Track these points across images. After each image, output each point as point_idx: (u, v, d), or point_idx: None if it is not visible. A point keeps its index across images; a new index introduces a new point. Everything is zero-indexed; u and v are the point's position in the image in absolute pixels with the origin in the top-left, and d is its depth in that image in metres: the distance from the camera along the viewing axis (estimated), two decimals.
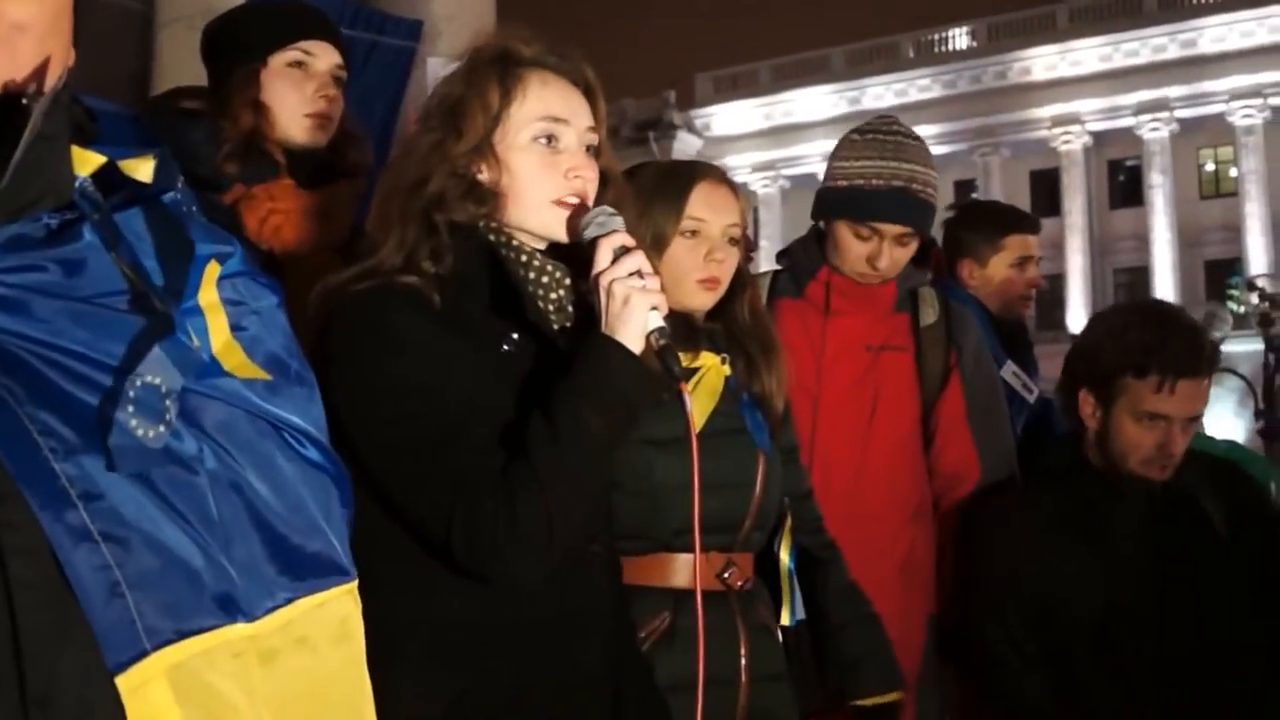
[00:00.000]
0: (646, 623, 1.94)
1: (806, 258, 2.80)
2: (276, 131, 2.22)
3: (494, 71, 1.68)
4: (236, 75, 2.23)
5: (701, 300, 2.12)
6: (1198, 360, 2.43)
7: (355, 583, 1.10)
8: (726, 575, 2.03)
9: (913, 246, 2.69)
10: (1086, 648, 2.43)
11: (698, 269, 2.10)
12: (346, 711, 1.08)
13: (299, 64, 2.25)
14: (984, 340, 2.91)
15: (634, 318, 1.53)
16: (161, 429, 0.93)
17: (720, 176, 2.20)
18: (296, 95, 2.24)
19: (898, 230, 2.63)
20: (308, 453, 1.08)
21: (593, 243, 1.60)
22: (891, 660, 2.29)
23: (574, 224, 1.65)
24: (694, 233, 2.12)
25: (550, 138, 1.68)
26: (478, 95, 1.66)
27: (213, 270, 1.05)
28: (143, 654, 0.90)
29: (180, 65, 3.61)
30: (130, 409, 0.91)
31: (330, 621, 1.05)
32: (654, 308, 1.55)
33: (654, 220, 2.07)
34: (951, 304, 2.87)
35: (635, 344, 1.54)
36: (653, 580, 1.98)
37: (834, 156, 2.76)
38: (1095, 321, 2.66)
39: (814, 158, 35.72)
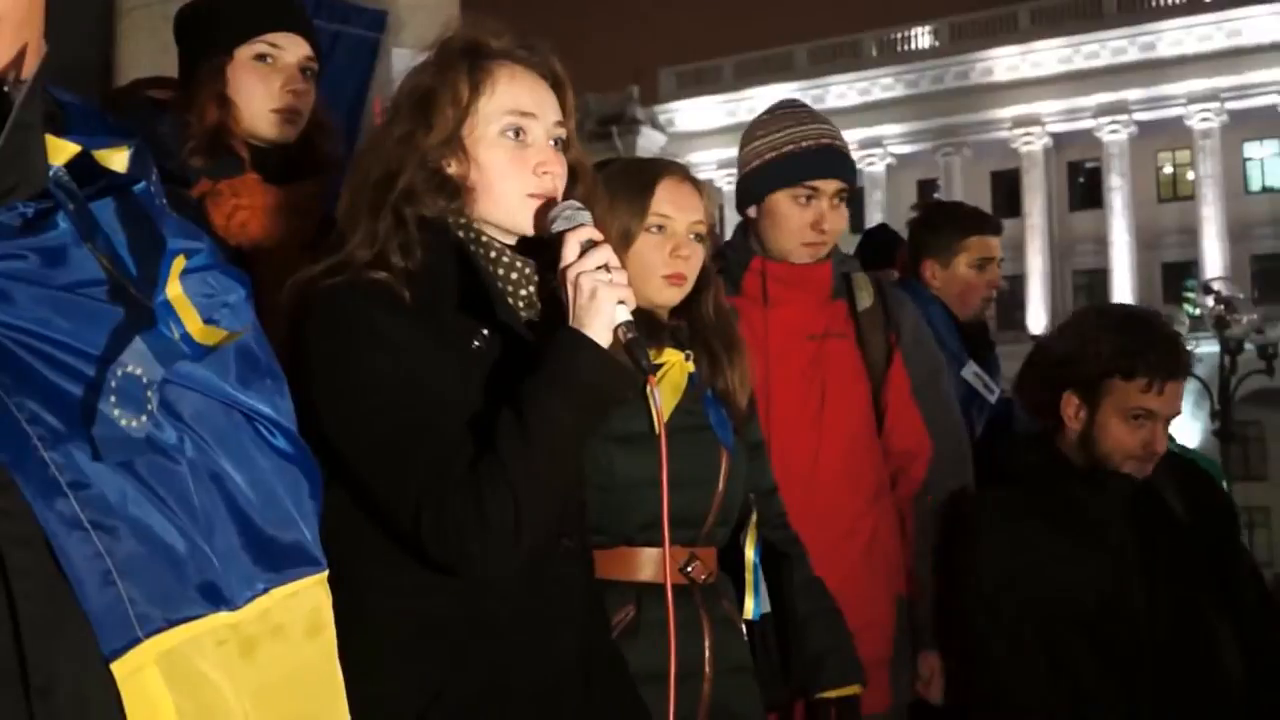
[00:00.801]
0: (610, 616, 1.95)
1: (737, 253, 2.81)
2: (242, 126, 2.20)
3: (463, 64, 1.67)
4: (201, 69, 2.20)
5: (667, 296, 2.14)
6: (1180, 362, 2.55)
7: (326, 573, 1.10)
8: (689, 569, 2.05)
9: (844, 210, 2.74)
10: (1081, 640, 2.48)
11: (664, 265, 2.12)
12: (320, 700, 1.09)
13: (265, 57, 2.21)
14: (922, 319, 2.97)
15: (601, 311, 1.54)
16: (144, 419, 0.94)
17: (684, 173, 2.21)
18: (263, 90, 2.21)
19: (835, 187, 2.69)
20: (278, 443, 1.08)
21: (560, 236, 1.60)
22: (852, 653, 2.33)
23: (541, 219, 1.66)
24: (660, 229, 2.13)
25: (518, 131, 1.67)
26: (447, 88, 1.66)
27: (178, 265, 1.05)
28: (136, 641, 0.91)
29: (143, 53, 3.57)
30: (112, 399, 0.92)
31: (303, 611, 1.06)
32: (621, 301, 1.55)
33: (619, 217, 2.07)
34: (885, 286, 2.91)
35: (603, 337, 1.54)
36: (614, 574, 1.99)
37: (750, 139, 2.81)
38: (1074, 327, 2.71)
39: None
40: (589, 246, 1.58)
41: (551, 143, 1.70)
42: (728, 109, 38.19)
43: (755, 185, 2.76)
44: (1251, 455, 30.82)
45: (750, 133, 2.82)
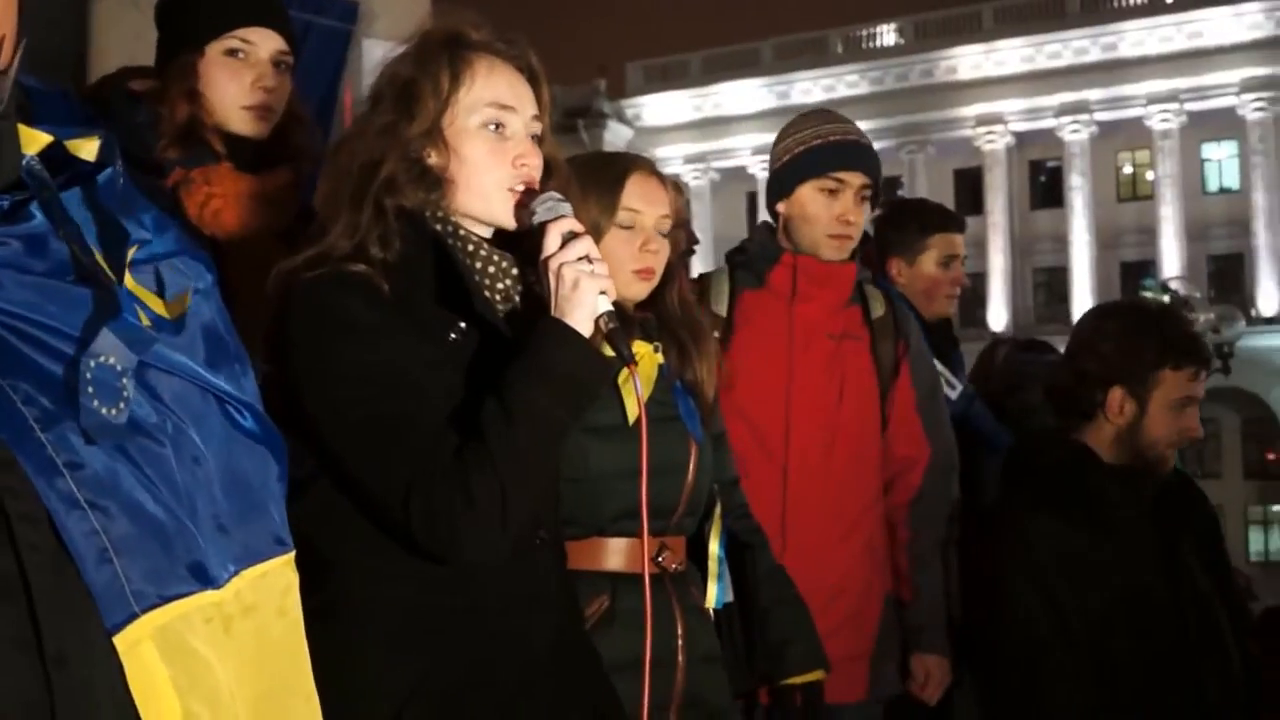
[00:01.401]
0: (583, 607, 1.97)
1: (765, 247, 2.87)
2: (214, 119, 2.20)
3: (444, 55, 1.69)
4: (172, 66, 2.21)
5: (636, 290, 2.16)
6: (1209, 351, 2.71)
7: (293, 554, 1.13)
8: (661, 559, 2.07)
9: (866, 208, 2.84)
10: (1120, 638, 2.51)
11: (633, 260, 2.14)
12: (288, 678, 1.11)
13: (237, 52, 2.21)
14: (921, 333, 3.04)
15: (583, 301, 1.56)
16: (121, 405, 0.96)
17: (652, 168, 2.24)
18: (235, 86, 2.20)
19: (860, 181, 2.78)
20: (247, 424, 1.10)
21: (541, 227, 1.62)
22: (815, 640, 2.37)
23: (521, 211, 1.68)
24: (629, 223, 2.15)
25: (498, 124, 1.69)
26: (428, 78, 1.67)
27: (129, 254, 1.06)
28: (133, 616, 0.94)
29: (115, 40, 3.55)
30: (90, 390, 0.93)
31: (274, 591, 1.09)
32: (602, 292, 1.58)
33: (589, 211, 2.09)
34: (894, 299, 3.00)
35: (584, 327, 1.57)
36: (586, 565, 2.02)
37: (781, 138, 2.90)
38: (1108, 325, 2.73)
39: (744, 151, 35.86)
40: (570, 238, 1.60)
41: (529, 136, 1.72)
42: (694, 104, 38.15)
43: (784, 179, 2.84)
44: (1207, 453, 31.20)
45: (782, 132, 2.92)
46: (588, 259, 1.58)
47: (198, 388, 1.05)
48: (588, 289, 1.57)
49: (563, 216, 1.63)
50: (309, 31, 3.82)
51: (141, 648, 0.94)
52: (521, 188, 1.69)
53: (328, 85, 3.96)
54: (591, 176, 2.12)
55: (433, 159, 1.68)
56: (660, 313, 2.22)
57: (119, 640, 0.93)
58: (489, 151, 1.69)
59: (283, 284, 1.61)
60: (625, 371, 1.81)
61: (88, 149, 1.01)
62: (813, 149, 2.80)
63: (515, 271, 1.71)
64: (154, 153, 2.13)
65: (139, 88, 2.25)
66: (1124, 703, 2.49)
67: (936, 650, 2.84)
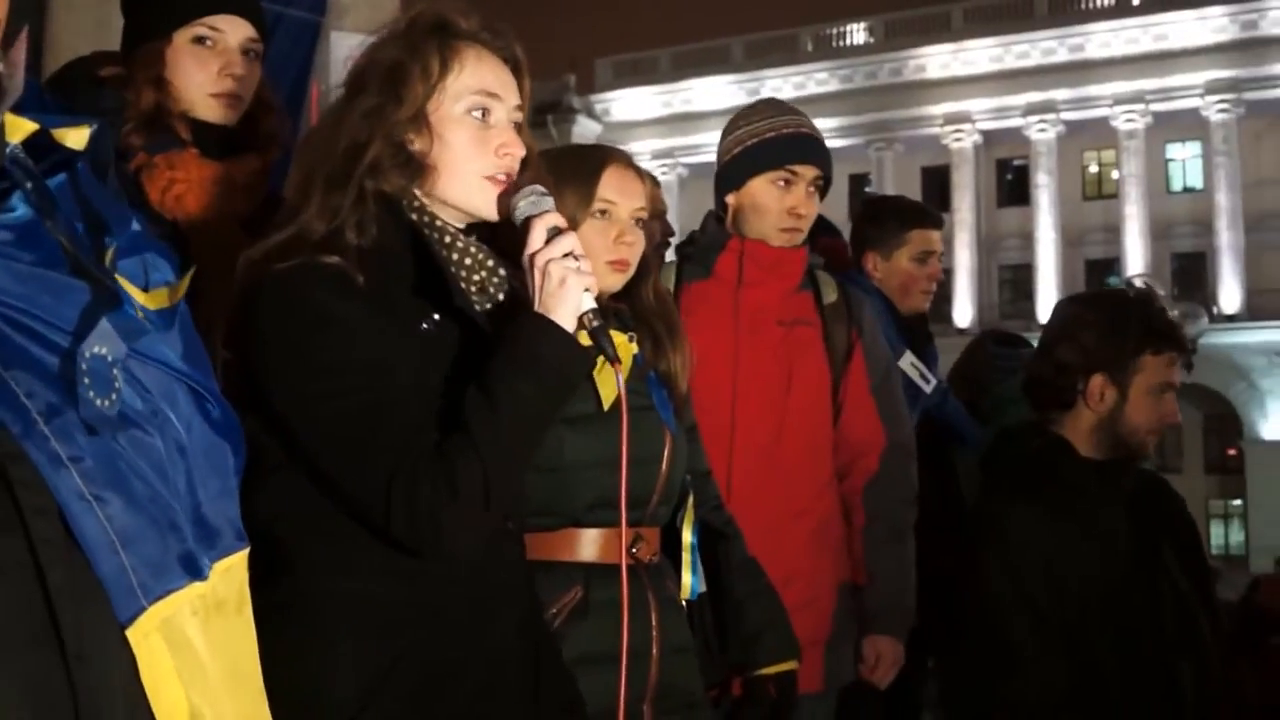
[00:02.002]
0: (556, 598, 1.97)
1: (711, 236, 2.87)
2: (180, 106, 2.17)
3: (433, 40, 1.67)
4: (138, 53, 2.18)
5: (610, 281, 2.16)
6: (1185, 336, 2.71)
7: (248, 549, 1.13)
8: (635, 550, 2.06)
9: (817, 200, 2.82)
10: (1098, 636, 2.52)
11: (607, 251, 2.14)
12: (247, 673, 1.12)
13: (205, 40, 2.18)
14: (875, 319, 3.03)
15: (569, 298, 1.56)
16: (114, 396, 0.96)
17: (628, 161, 2.24)
18: (202, 74, 2.18)
19: (812, 174, 2.78)
20: (214, 415, 1.10)
21: (526, 222, 1.61)
22: (789, 630, 2.37)
23: (504, 202, 1.67)
24: (604, 214, 2.15)
25: (484, 112, 1.68)
26: (417, 62, 1.65)
27: (109, 253, 1.06)
28: (142, 609, 0.95)
29: (78, 27, 3.51)
30: (86, 380, 0.93)
31: (235, 585, 1.09)
32: (586, 289, 1.57)
33: (565, 202, 2.08)
34: (846, 285, 2.98)
35: (568, 323, 1.56)
36: (559, 555, 2.01)
37: (732, 129, 2.89)
38: (1087, 313, 2.73)
39: (712, 147, 35.21)
40: (555, 233, 1.59)
41: (512, 126, 1.71)
42: (663, 100, 38.22)
43: (736, 171, 2.83)
44: (1168, 448, 31.54)
45: (732, 123, 2.90)
46: (573, 255, 1.58)
47: (172, 378, 1.05)
48: (574, 286, 1.56)
49: (547, 211, 1.62)
50: (279, 23, 3.80)
51: (151, 640, 0.95)
52: (503, 177, 1.68)
53: (297, 76, 3.93)
54: (568, 168, 2.12)
55: (415, 145, 1.66)
56: (635, 304, 2.22)
57: (131, 633, 0.94)
58: (471, 139, 1.68)
59: (252, 274, 1.58)
60: (601, 359, 1.80)
61: (75, 138, 1.01)
62: (766, 141, 2.79)
63: (490, 263, 1.70)
64: (118, 138, 2.10)
65: (106, 74, 2.21)
66: (1100, 702, 2.49)
67: (889, 632, 2.82)
